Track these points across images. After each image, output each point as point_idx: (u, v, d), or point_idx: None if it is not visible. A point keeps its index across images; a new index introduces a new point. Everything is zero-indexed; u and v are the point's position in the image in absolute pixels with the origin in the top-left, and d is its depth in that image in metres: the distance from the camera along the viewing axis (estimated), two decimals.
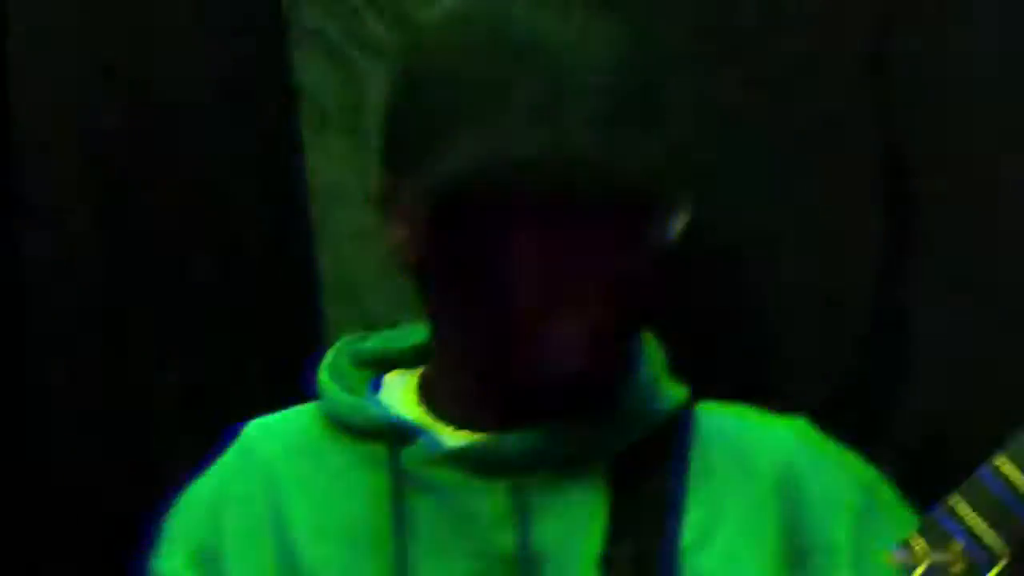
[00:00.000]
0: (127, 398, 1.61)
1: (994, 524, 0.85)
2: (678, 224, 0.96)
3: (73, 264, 1.61)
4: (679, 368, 1.06)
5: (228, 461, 1.04)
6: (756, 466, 0.99)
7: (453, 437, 0.96)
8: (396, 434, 0.96)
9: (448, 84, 0.91)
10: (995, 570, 0.84)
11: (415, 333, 1.04)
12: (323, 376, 1.01)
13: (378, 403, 0.99)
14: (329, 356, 1.04)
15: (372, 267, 1.56)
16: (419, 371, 1.02)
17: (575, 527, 0.94)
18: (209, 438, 1.11)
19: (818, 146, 1.46)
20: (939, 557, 0.84)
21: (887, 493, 1.01)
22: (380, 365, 1.04)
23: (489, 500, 0.94)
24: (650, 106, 0.92)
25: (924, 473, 1.11)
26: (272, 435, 1.04)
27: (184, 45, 1.65)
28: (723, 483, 0.98)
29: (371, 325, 1.33)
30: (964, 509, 0.85)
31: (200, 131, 1.64)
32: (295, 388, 1.11)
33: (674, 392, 1.01)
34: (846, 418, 1.28)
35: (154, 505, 1.08)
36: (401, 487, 0.95)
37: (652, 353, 1.02)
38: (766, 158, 1.48)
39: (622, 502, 0.96)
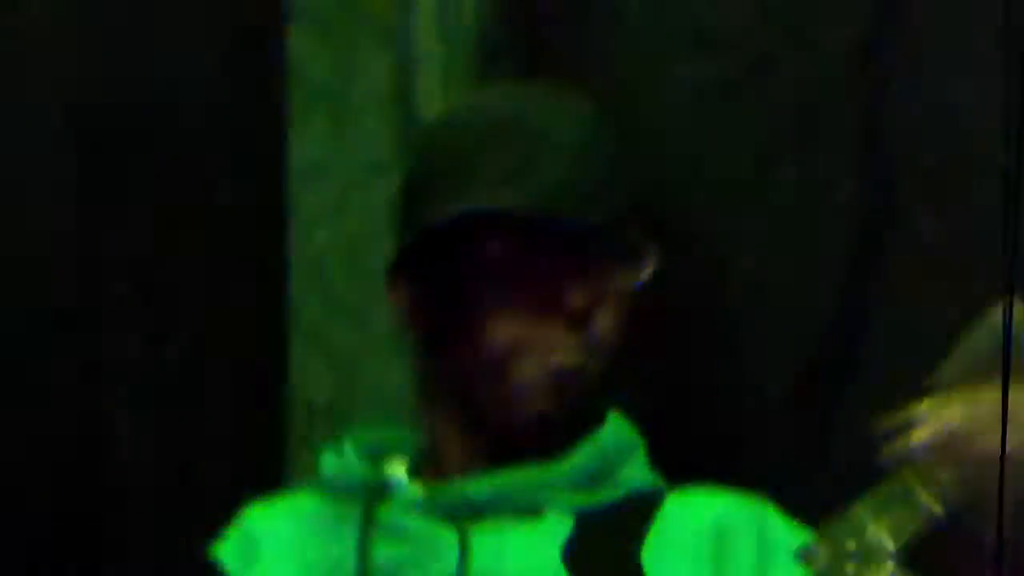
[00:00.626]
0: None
1: (888, 528, 0.90)
2: (642, 274, 1.08)
3: None
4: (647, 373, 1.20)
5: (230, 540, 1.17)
6: (699, 534, 1.07)
7: (416, 488, 1.10)
8: (383, 487, 1.10)
9: (433, 156, 1.12)
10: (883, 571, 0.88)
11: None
12: (325, 458, 1.16)
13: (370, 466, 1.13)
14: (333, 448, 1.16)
15: (342, 247, 1.57)
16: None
17: (535, 559, 1.04)
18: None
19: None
20: (835, 557, 0.90)
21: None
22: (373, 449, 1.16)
23: (440, 539, 1.05)
24: (603, 169, 1.07)
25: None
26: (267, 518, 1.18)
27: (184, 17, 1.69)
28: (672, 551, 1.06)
29: (333, 302, 1.54)
30: (863, 512, 0.91)
31: (194, 101, 1.67)
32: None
33: (642, 474, 1.11)
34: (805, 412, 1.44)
35: None
36: (368, 524, 1.08)
37: (620, 427, 1.11)
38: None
39: (578, 549, 1.06)
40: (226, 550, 1.16)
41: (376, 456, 1.15)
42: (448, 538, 1.04)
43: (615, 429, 1.10)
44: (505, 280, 1.04)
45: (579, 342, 1.04)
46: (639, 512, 1.08)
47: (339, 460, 1.13)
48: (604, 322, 1.05)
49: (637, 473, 1.10)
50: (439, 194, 1.06)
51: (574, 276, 1.04)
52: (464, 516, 1.04)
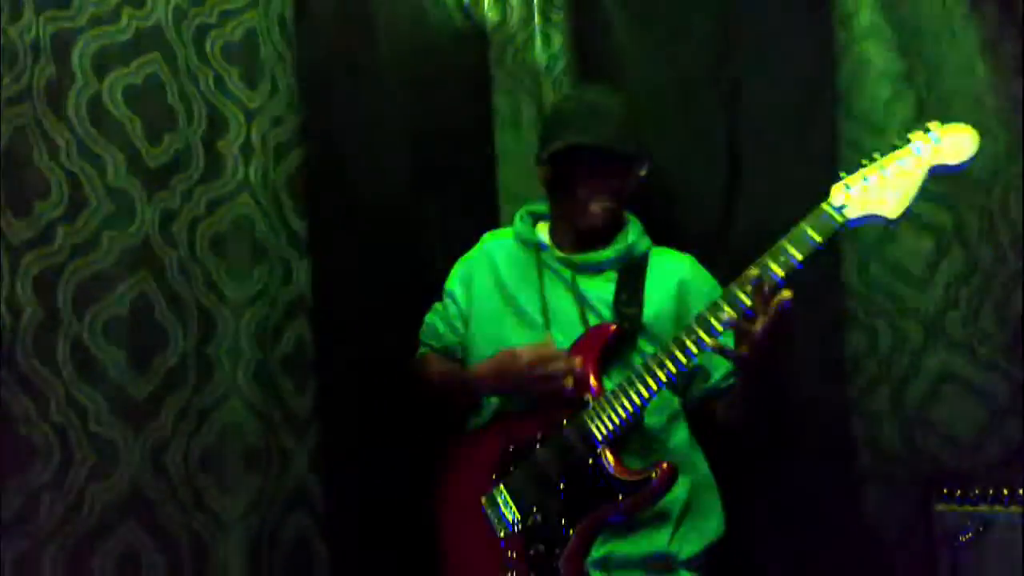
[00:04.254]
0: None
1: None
2: (643, 169, 2.59)
3: None
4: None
5: (475, 249, 2.79)
6: (671, 275, 2.57)
7: (557, 251, 2.62)
8: (538, 247, 2.66)
9: (557, 114, 2.68)
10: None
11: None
12: (516, 218, 2.75)
13: (533, 233, 2.69)
14: (520, 211, 2.76)
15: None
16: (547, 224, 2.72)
17: (601, 292, 2.55)
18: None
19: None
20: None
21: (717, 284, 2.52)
22: (535, 216, 2.73)
23: (566, 276, 2.59)
24: (627, 124, 2.54)
25: None
26: (492, 239, 2.78)
27: None
28: (657, 281, 2.56)
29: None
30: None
31: None
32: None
33: (644, 243, 2.63)
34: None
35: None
36: (540, 267, 2.61)
37: (635, 225, 2.65)
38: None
39: (621, 286, 2.54)
40: (473, 252, 2.77)
41: (536, 219, 2.73)
42: (568, 276, 2.58)
43: (632, 224, 2.65)
44: (589, 173, 2.53)
45: (619, 200, 2.58)
46: (642, 264, 2.58)
47: (521, 224, 2.71)
48: (628, 190, 2.57)
49: (642, 241, 2.63)
50: (560, 133, 2.52)
51: (618, 174, 2.54)
52: (570, 268, 2.59)
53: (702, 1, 2.98)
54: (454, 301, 2.71)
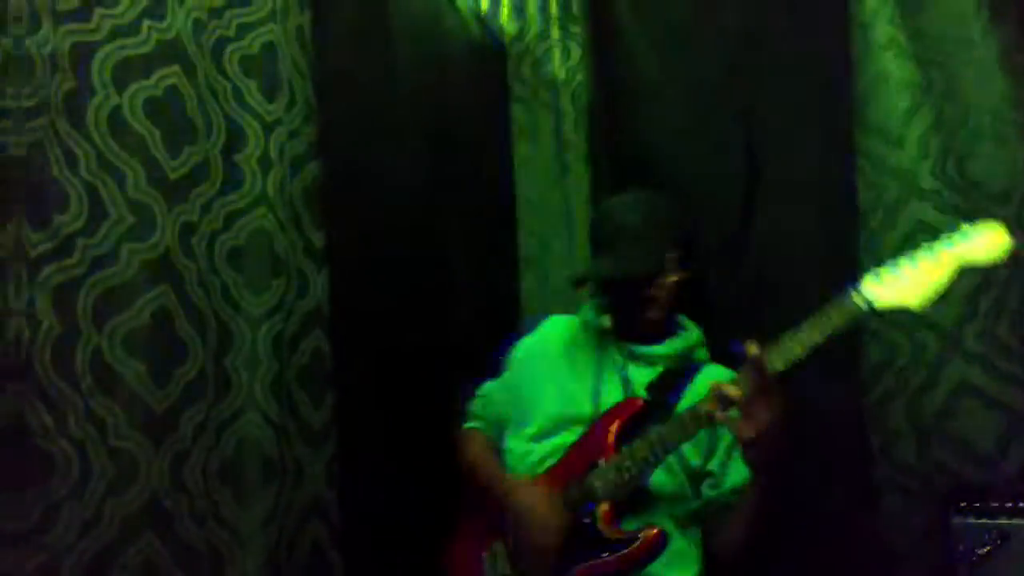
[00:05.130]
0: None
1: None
2: (674, 274, 2.51)
3: None
4: None
5: (539, 328, 2.72)
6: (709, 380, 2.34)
7: (616, 337, 2.58)
8: (602, 332, 2.60)
9: (592, 234, 2.62)
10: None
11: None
12: (585, 306, 2.67)
13: (598, 320, 2.63)
14: (590, 301, 2.67)
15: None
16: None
17: (645, 380, 2.49)
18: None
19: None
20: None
21: None
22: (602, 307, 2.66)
23: (619, 361, 2.55)
24: (649, 238, 2.49)
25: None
26: (558, 321, 2.71)
27: None
28: (699, 386, 2.42)
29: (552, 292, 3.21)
30: None
31: None
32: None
33: (700, 353, 2.59)
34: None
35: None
36: (599, 350, 2.58)
37: (692, 333, 2.60)
38: None
39: (663, 376, 2.50)
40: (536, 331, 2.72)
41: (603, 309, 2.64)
42: (620, 361, 2.54)
43: (687, 328, 2.60)
44: (619, 297, 2.55)
45: (655, 308, 2.52)
46: (691, 369, 2.52)
47: (588, 311, 2.64)
48: (664, 296, 2.50)
49: (698, 351, 2.58)
50: (591, 259, 2.59)
51: (647, 288, 2.49)
52: (625, 356, 2.54)
53: (719, 13, 2.98)
54: (511, 372, 2.68)
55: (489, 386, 2.74)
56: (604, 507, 2.34)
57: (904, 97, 2.74)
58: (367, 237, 2.69)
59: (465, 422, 2.74)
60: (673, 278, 2.51)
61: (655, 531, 2.31)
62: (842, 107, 2.80)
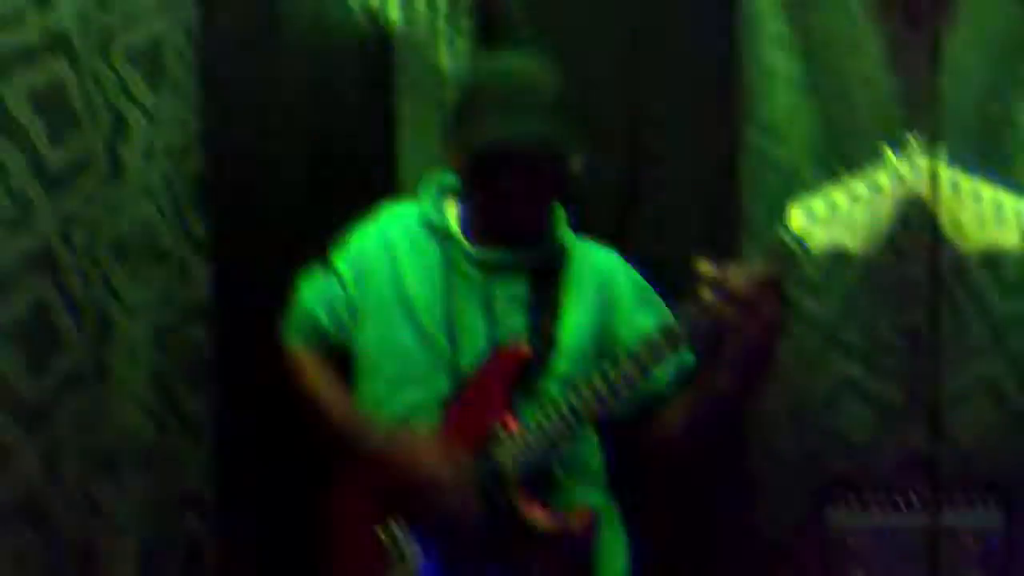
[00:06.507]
0: None
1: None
2: (573, 166, 2.11)
3: None
4: None
5: (371, 226, 2.34)
6: (593, 272, 2.23)
7: (468, 245, 2.20)
8: (447, 237, 2.22)
9: (476, 89, 2.13)
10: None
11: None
12: (422, 194, 2.30)
13: (442, 218, 2.25)
14: (427, 184, 2.31)
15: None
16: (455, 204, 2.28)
17: (513, 297, 2.17)
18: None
19: None
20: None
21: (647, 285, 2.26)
22: (444, 192, 2.28)
23: (476, 278, 2.18)
24: (562, 110, 2.06)
25: None
26: (393, 216, 2.33)
27: None
28: (577, 287, 2.21)
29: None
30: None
31: None
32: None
33: (567, 236, 2.25)
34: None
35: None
36: (447, 263, 2.19)
37: (559, 218, 2.24)
38: None
39: (535, 292, 2.17)
40: (368, 229, 2.33)
41: (443, 195, 2.28)
42: (478, 278, 2.17)
43: (558, 223, 2.24)
44: (515, 172, 2.05)
45: (549, 201, 2.19)
46: (560, 262, 2.20)
47: (428, 203, 2.26)
48: (561, 188, 2.14)
49: (564, 235, 2.24)
50: (482, 118, 2.05)
51: (550, 172, 2.08)
52: (483, 270, 2.17)
53: (607, 5, 3.01)
54: (342, 286, 2.28)
55: (313, 296, 2.34)
56: (517, 488, 2.05)
57: (791, 94, 2.80)
58: (251, 230, 2.70)
59: (287, 339, 2.38)
60: (577, 167, 2.10)
61: (587, 514, 2.08)
62: (727, 101, 2.85)
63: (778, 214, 2.76)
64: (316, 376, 2.31)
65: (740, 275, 1.84)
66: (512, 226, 2.14)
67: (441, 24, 3.32)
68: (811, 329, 2.82)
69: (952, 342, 2.76)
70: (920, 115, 2.67)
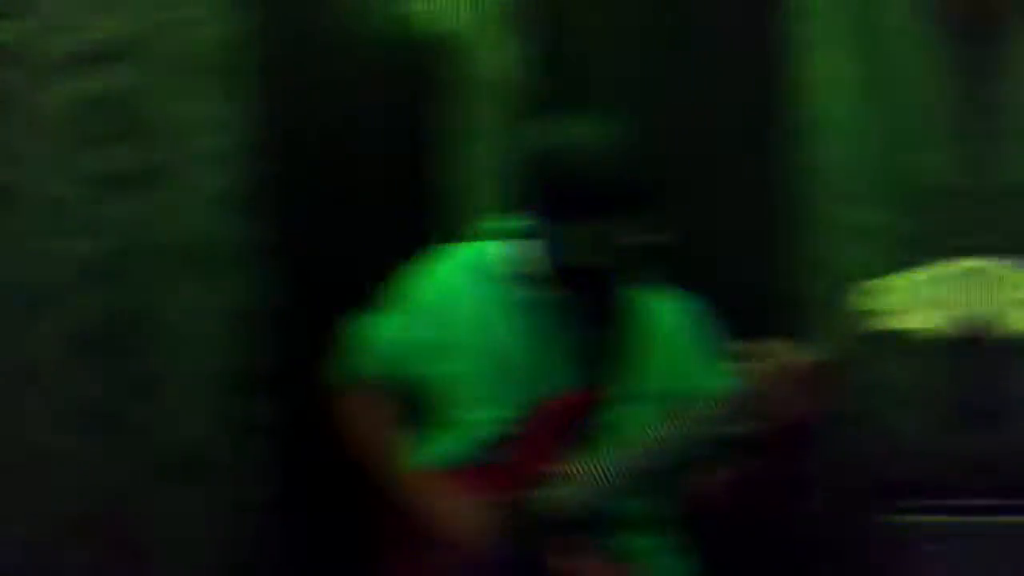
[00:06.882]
0: None
1: None
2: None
3: None
4: None
5: (443, 268, 2.20)
6: (664, 322, 2.17)
7: (537, 288, 2.10)
8: (513, 280, 2.13)
9: (554, 174, 1.98)
10: None
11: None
12: (484, 243, 2.20)
13: (505, 263, 2.15)
14: (485, 229, 2.29)
15: None
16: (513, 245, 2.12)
17: (583, 346, 2.10)
18: None
19: None
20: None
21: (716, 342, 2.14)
22: (508, 234, 2.11)
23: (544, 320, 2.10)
24: (642, 196, 1.98)
25: None
26: (458, 257, 2.21)
27: None
28: (646, 329, 2.13)
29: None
30: None
31: None
32: None
33: (640, 283, 2.11)
34: None
35: None
36: (514, 306, 2.12)
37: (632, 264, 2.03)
38: None
39: (607, 337, 2.10)
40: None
41: (496, 236, 2.17)
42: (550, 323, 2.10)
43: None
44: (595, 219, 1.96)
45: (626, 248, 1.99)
46: (628, 305, 2.12)
47: (490, 249, 2.18)
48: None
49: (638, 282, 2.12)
50: (573, 222, 1.98)
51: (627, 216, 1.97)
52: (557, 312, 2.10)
53: (678, 13, 2.98)
54: (420, 326, 2.20)
55: (376, 331, 2.25)
56: (555, 534, 2.04)
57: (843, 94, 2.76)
58: (314, 234, 2.70)
59: (345, 373, 2.27)
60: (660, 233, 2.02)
61: (620, 570, 2.06)
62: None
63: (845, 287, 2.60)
64: (373, 420, 2.23)
65: (790, 358, 1.85)
66: (588, 274, 2.03)
67: (491, 27, 3.30)
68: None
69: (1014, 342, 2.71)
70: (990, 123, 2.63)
